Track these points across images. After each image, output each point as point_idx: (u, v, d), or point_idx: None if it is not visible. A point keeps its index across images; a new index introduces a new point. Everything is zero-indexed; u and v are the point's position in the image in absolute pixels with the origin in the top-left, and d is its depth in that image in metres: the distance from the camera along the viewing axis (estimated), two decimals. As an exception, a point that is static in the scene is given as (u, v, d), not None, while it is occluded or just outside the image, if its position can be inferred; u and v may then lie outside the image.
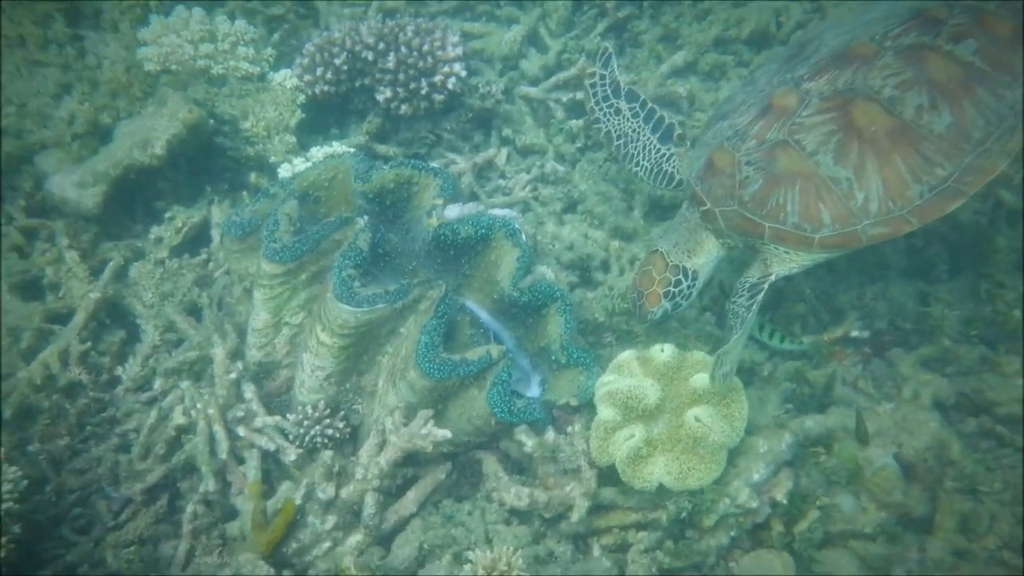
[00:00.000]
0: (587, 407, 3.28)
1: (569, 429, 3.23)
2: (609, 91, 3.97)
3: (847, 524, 3.22)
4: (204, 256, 4.11)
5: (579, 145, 4.69)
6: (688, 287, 3.43)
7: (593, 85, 4.00)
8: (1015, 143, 3.06)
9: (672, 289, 3.40)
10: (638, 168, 3.83)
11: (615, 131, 3.91)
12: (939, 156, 3.05)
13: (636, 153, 3.84)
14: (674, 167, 3.71)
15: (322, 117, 4.74)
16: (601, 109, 3.97)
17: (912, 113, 3.07)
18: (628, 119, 3.89)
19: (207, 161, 4.38)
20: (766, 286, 3.29)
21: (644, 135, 3.84)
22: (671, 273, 3.39)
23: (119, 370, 3.77)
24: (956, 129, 3.05)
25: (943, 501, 3.27)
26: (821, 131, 3.13)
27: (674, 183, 3.71)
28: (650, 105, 3.88)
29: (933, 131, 3.05)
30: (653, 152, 3.78)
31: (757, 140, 3.23)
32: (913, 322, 3.77)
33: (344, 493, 3.09)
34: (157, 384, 3.69)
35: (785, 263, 3.31)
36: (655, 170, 3.77)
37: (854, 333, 3.77)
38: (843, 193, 3.09)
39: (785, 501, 3.16)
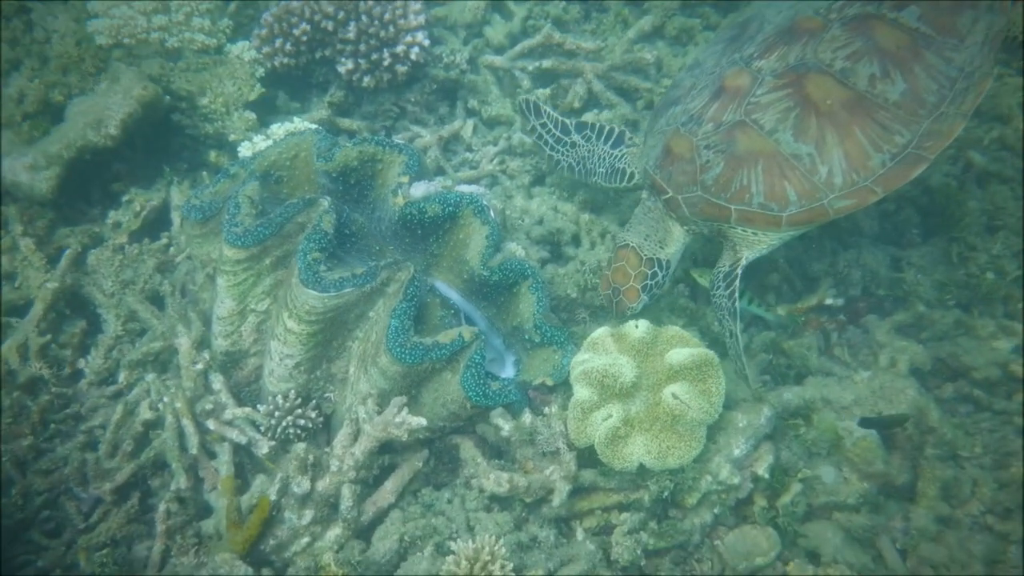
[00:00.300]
0: (564, 386, 3.23)
1: (546, 410, 3.18)
2: (558, 132, 3.94)
3: (830, 496, 3.22)
4: (165, 240, 4.00)
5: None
6: (663, 277, 3.42)
7: (540, 137, 3.97)
8: (969, 104, 3.07)
9: (649, 283, 3.38)
10: (595, 177, 3.79)
11: (574, 162, 3.88)
12: (897, 124, 3.05)
13: (594, 166, 3.80)
14: (626, 164, 3.66)
15: (283, 90, 4.61)
16: (557, 151, 3.94)
17: (866, 83, 3.06)
18: (582, 145, 3.85)
19: (164, 140, 4.25)
20: (739, 271, 3.26)
21: (598, 148, 3.80)
22: (646, 267, 3.37)
23: (81, 363, 3.66)
24: (910, 95, 3.06)
25: (924, 468, 3.27)
26: (778, 108, 3.09)
27: (626, 177, 3.66)
28: (599, 125, 3.84)
29: (888, 99, 3.05)
30: (608, 158, 3.74)
31: (714, 123, 3.18)
32: (887, 288, 3.76)
33: (320, 486, 3.02)
34: (122, 377, 3.58)
35: (754, 245, 3.29)
36: (610, 172, 3.72)
37: (828, 301, 3.74)
38: (806, 169, 3.06)
39: (767, 475, 3.15)
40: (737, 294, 3.23)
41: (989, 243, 3.75)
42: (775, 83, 3.12)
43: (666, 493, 3.03)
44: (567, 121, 3.94)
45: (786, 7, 3.39)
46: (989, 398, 3.53)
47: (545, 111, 3.97)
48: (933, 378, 3.61)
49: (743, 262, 3.28)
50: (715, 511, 3.12)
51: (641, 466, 3.00)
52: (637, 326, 3.21)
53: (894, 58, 3.08)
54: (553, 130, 3.94)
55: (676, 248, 3.44)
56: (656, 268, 3.38)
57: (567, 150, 3.91)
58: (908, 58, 3.08)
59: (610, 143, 3.78)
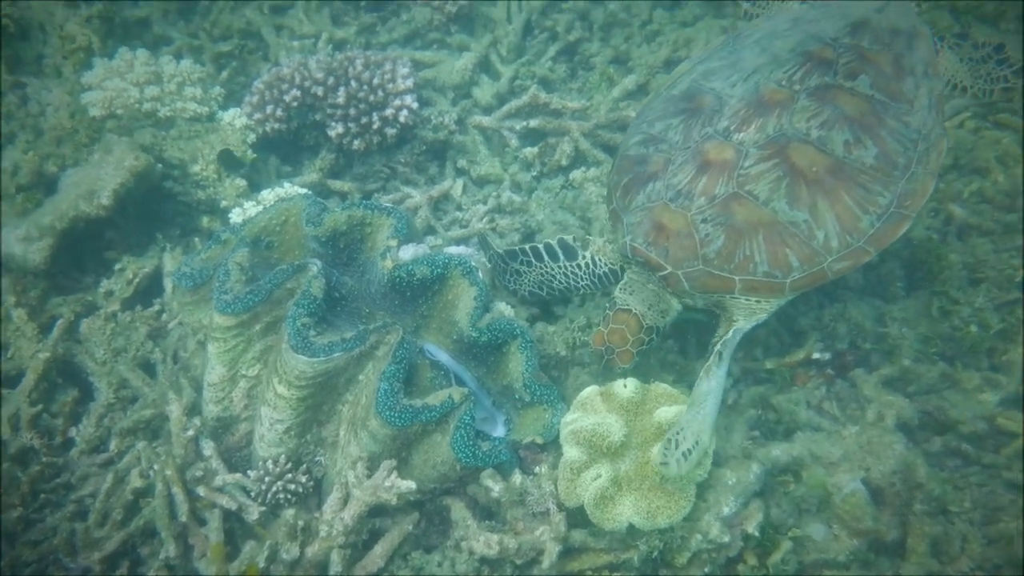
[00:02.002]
0: (554, 445, 3.25)
1: (537, 469, 3.19)
2: (513, 264, 3.90)
3: (820, 553, 3.20)
4: (157, 307, 4.03)
5: (535, 173, 4.69)
6: (655, 340, 3.47)
7: (504, 271, 3.93)
8: (935, 163, 3.25)
9: (644, 348, 3.43)
10: (582, 292, 3.83)
11: (536, 286, 3.88)
12: (877, 185, 3.16)
13: (568, 287, 3.82)
14: (607, 265, 3.69)
15: (274, 155, 4.69)
16: (518, 283, 3.93)
17: (842, 149, 3.17)
18: (526, 272, 3.85)
19: (156, 207, 4.30)
20: (732, 335, 3.30)
21: (559, 268, 3.79)
22: (645, 335, 3.41)
23: (73, 431, 3.67)
24: (883, 158, 3.18)
25: (913, 524, 3.26)
26: (769, 179, 3.16)
27: (615, 277, 3.67)
28: (540, 246, 3.80)
29: (865, 163, 3.16)
30: (579, 272, 3.76)
31: (706, 197, 3.22)
32: (873, 342, 3.78)
33: (309, 552, 3.03)
34: (112, 445, 3.58)
35: (755, 314, 3.33)
36: (595, 282, 3.75)
37: (815, 355, 3.77)
38: (804, 235, 3.13)
39: (757, 533, 3.13)
40: (726, 353, 3.25)
41: (972, 296, 3.79)
42: (760, 155, 3.19)
43: (656, 553, 3.03)
44: (502, 250, 3.91)
45: (738, 79, 3.46)
46: (977, 452, 3.53)
47: (490, 244, 3.96)
48: (920, 432, 3.61)
49: (741, 328, 3.32)
50: (706, 570, 3.10)
51: (631, 525, 3.00)
52: (626, 385, 3.23)
53: (861, 124, 3.20)
54: (506, 263, 3.90)
55: (672, 317, 3.50)
56: (653, 335, 3.44)
57: (515, 279, 3.91)
58: (873, 124, 3.21)
59: (561, 257, 3.77)
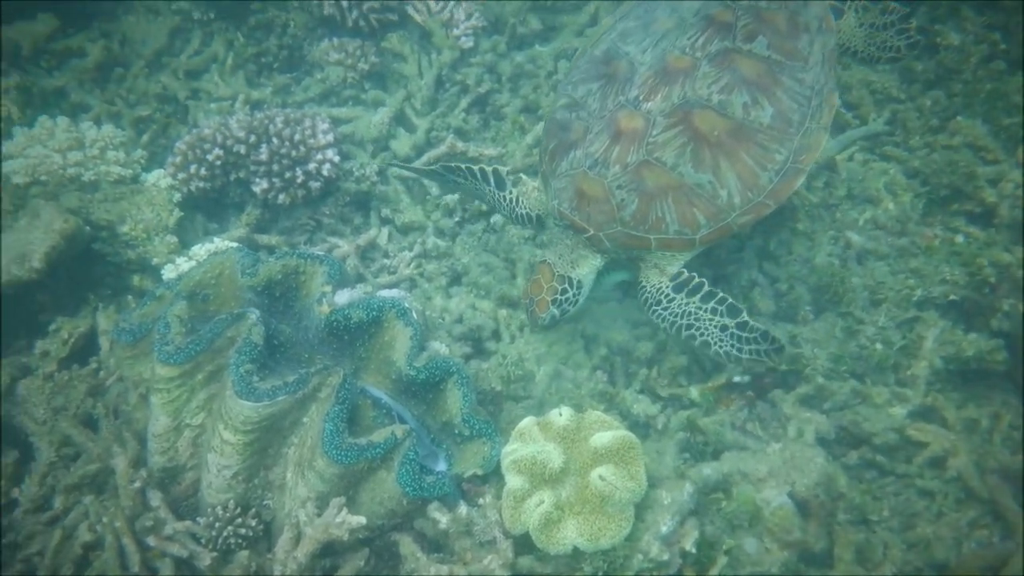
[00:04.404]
0: (495, 476, 3.36)
1: (481, 501, 3.29)
2: (451, 176, 4.20)
3: (754, 566, 3.34)
4: (94, 365, 4.01)
5: (457, 219, 4.82)
6: (574, 295, 3.75)
7: (442, 179, 4.28)
8: (826, 118, 3.59)
9: (559, 297, 3.71)
10: (496, 212, 4.19)
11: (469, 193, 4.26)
12: (774, 144, 3.48)
13: (492, 207, 4.18)
14: (526, 208, 4.01)
15: (200, 212, 4.74)
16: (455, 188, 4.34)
17: (741, 112, 3.46)
18: (471, 183, 4.13)
19: (87, 268, 4.32)
20: (686, 273, 3.65)
21: (486, 190, 4.11)
22: (557, 283, 3.71)
23: (15, 492, 3.63)
24: (779, 117, 3.49)
25: (839, 534, 3.43)
26: (674, 145, 3.45)
27: (532, 221, 4.02)
28: (476, 168, 4.10)
29: (762, 123, 3.47)
30: (504, 203, 4.06)
31: (620, 165, 3.50)
32: (788, 363, 3.97)
33: (264, 592, 3.07)
34: (58, 502, 3.55)
35: (673, 262, 3.68)
36: (512, 218, 4.08)
37: (736, 379, 3.95)
38: (709, 194, 3.46)
39: (694, 550, 3.26)
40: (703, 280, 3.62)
41: (875, 316, 4.03)
42: (667, 123, 3.47)
43: (600, 573, 3.14)
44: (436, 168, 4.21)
45: (648, 44, 3.71)
46: (891, 463, 3.74)
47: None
48: (838, 446, 3.80)
49: (677, 269, 3.68)
50: (648, 587, 3.23)
51: (575, 548, 3.11)
52: (561, 414, 3.37)
53: (758, 86, 3.49)
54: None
55: (587, 270, 3.77)
56: (567, 285, 3.72)
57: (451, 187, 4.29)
58: (769, 84, 3.51)
59: (492, 184, 4.08)
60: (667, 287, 3.66)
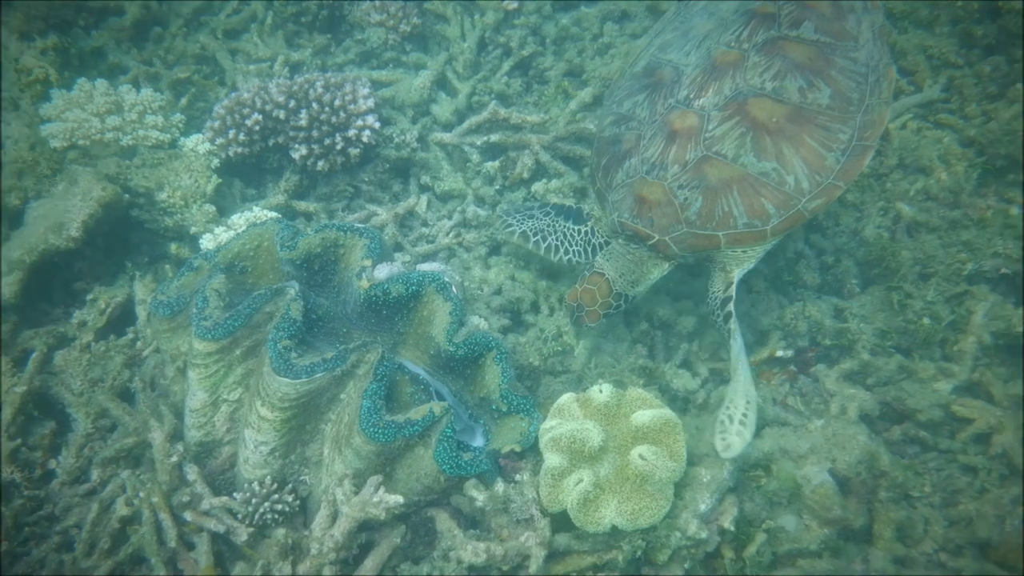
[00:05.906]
0: (533, 452, 3.33)
1: (518, 477, 3.27)
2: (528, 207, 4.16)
3: (793, 544, 3.32)
4: (131, 335, 4.00)
5: (497, 187, 4.76)
6: (623, 306, 3.71)
7: (518, 210, 4.22)
8: (887, 92, 3.49)
9: (611, 311, 3.68)
10: (570, 255, 4.01)
11: (529, 230, 4.08)
12: (836, 123, 3.39)
13: (558, 244, 4.02)
14: (601, 236, 3.93)
15: (238, 178, 4.71)
16: (513, 217, 4.18)
17: (797, 96, 3.38)
18: (540, 218, 4.08)
19: (124, 235, 4.30)
20: (733, 292, 3.53)
21: (560, 224, 4.04)
22: (614, 299, 3.66)
23: (53, 463, 3.66)
24: (838, 97, 3.41)
25: (879, 511, 3.39)
26: (733, 136, 3.37)
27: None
28: (554, 201, 4.11)
29: (821, 105, 3.39)
30: (576, 237, 3.99)
31: (679, 164, 3.42)
32: (832, 338, 3.91)
33: (301, 570, 3.07)
34: (94, 475, 3.57)
35: (743, 261, 3.57)
36: (586, 250, 3.97)
37: (779, 353, 3.90)
38: (776, 182, 3.36)
39: (732, 528, 3.24)
40: (733, 311, 3.50)
41: (923, 290, 3.95)
42: (722, 115, 3.40)
43: (639, 552, 3.13)
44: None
45: (691, 48, 3.66)
46: (934, 438, 3.68)
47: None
48: (881, 422, 3.76)
49: (735, 281, 3.56)
50: (686, 566, 3.20)
51: (613, 527, 3.09)
52: (601, 391, 3.33)
53: (811, 69, 3.42)
54: (519, 212, 4.18)
55: (645, 287, 3.73)
56: (621, 301, 3.68)
57: (524, 219, 4.11)
58: (823, 66, 3.43)
59: (571, 220, 4.02)
60: (718, 299, 3.61)
